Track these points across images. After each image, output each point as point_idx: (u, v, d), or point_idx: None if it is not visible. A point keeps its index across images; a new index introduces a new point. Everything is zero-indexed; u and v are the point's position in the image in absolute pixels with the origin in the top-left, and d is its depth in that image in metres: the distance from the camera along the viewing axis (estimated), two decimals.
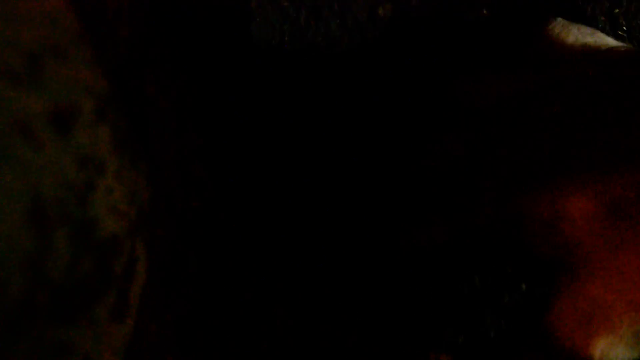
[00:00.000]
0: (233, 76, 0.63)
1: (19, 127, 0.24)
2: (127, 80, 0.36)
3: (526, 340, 0.48)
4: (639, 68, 0.41)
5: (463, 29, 0.80)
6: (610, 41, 0.50)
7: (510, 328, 0.53)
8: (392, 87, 0.65)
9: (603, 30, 0.59)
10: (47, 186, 0.26)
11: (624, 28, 0.65)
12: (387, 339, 0.64)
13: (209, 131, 0.58)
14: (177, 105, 0.47)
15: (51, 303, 0.29)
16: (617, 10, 0.73)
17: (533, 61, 0.50)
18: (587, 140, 0.39)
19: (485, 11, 0.82)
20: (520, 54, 0.56)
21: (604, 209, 0.37)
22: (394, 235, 0.54)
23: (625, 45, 0.49)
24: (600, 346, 0.39)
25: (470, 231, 0.46)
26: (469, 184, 0.45)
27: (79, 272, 0.31)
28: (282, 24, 0.82)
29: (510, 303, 0.54)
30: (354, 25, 0.84)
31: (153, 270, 0.45)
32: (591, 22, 0.65)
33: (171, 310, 0.52)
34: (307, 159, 0.66)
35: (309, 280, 0.71)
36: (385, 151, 0.60)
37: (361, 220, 0.61)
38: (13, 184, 0.24)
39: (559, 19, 0.54)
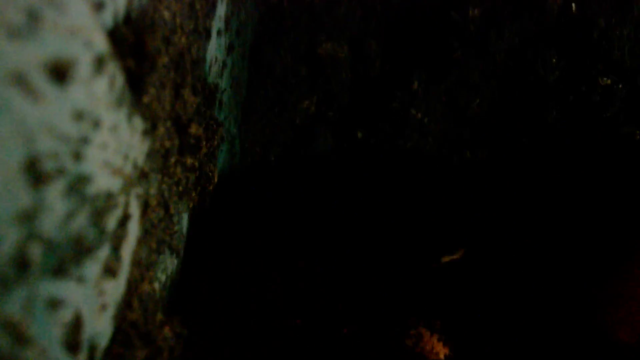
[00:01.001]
0: None
1: (16, 78, 0.24)
2: (125, 35, 0.35)
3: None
4: None
5: None
6: None
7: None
8: None
9: None
10: (42, 139, 0.26)
11: None
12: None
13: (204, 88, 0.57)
14: (175, 62, 0.47)
15: (43, 257, 0.29)
16: None
17: None
18: None
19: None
20: None
21: None
22: None
23: None
24: None
25: None
26: None
27: (72, 227, 0.31)
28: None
29: None
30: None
31: (147, 229, 0.45)
32: None
33: (164, 268, 0.52)
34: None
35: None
36: None
37: None
38: (8, 135, 0.24)
39: None
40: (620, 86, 0.81)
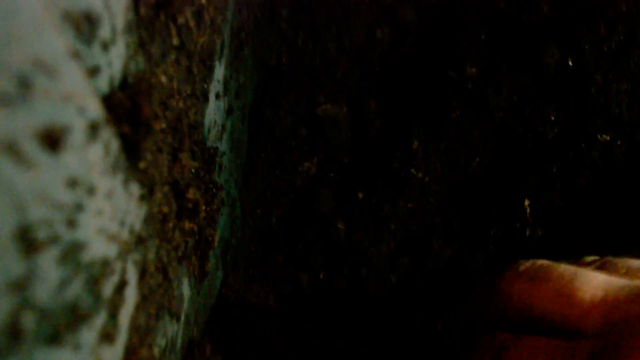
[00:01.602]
0: None
1: (7, 147, 0.24)
2: (120, 100, 0.35)
3: None
4: None
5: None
6: None
7: None
8: None
9: None
10: (34, 207, 0.26)
11: None
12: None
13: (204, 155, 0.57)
14: (172, 126, 0.47)
15: (37, 326, 0.28)
16: None
17: None
18: None
19: (482, 36, 0.83)
20: None
21: None
22: None
23: None
24: None
25: None
26: None
27: (66, 295, 0.30)
28: (279, 45, 0.83)
29: None
30: (352, 47, 0.84)
31: (146, 294, 0.44)
32: None
33: (163, 333, 0.51)
34: None
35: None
36: None
37: None
38: None
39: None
40: (619, 142, 0.81)
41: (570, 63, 0.82)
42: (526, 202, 0.82)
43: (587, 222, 0.81)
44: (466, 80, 0.83)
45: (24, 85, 0.24)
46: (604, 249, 0.79)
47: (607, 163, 0.81)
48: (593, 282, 0.50)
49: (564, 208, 0.81)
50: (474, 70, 0.83)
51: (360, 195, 0.83)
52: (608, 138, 0.81)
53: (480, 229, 0.82)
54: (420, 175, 0.83)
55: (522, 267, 0.56)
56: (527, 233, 0.81)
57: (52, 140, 0.26)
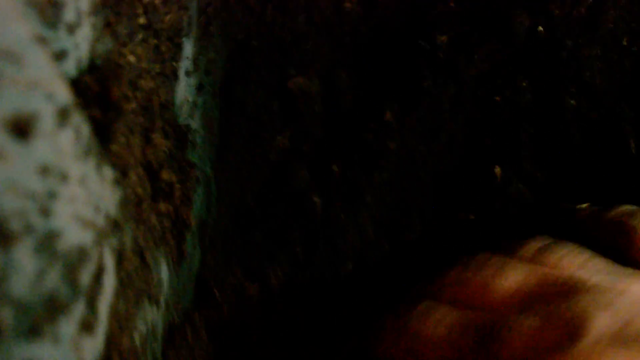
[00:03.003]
0: None
1: None
2: (89, 84, 0.34)
3: None
4: None
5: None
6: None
7: None
8: None
9: None
10: (6, 198, 0.25)
11: None
12: None
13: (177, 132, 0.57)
14: (143, 106, 0.46)
15: (15, 320, 0.27)
16: None
17: None
18: None
19: (452, 4, 0.82)
20: None
21: None
22: None
23: None
24: None
25: None
26: None
27: (44, 286, 0.30)
28: (248, 20, 0.81)
29: None
30: (321, 19, 0.83)
31: (124, 280, 0.44)
32: None
33: (143, 319, 0.50)
34: None
35: None
36: None
37: None
38: None
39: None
40: (591, 107, 0.81)
41: (540, 29, 0.82)
42: (497, 170, 0.82)
43: (560, 191, 0.81)
44: (437, 49, 0.82)
45: None
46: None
47: (580, 129, 0.81)
48: (512, 274, 0.54)
49: (537, 176, 0.81)
50: (444, 38, 0.82)
51: (336, 169, 0.83)
52: (580, 103, 0.81)
53: (454, 199, 0.83)
54: (394, 146, 0.83)
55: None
56: (499, 203, 0.82)
57: (21, 128, 0.26)
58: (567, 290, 0.48)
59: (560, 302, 0.47)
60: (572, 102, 0.81)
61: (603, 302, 0.44)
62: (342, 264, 0.80)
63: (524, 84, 0.82)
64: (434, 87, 0.82)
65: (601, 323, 0.42)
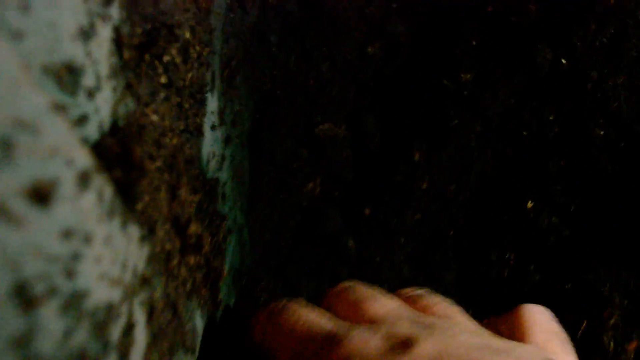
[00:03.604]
0: None
1: None
2: (110, 146, 0.35)
3: None
4: None
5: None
6: None
7: None
8: None
9: None
10: (29, 263, 0.26)
11: None
12: None
13: (204, 186, 0.58)
14: (168, 164, 0.47)
15: None
16: None
17: None
18: None
19: (473, 42, 0.83)
20: None
21: None
22: None
23: None
24: None
25: None
26: None
27: (72, 344, 0.31)
28: (272, 70, 0.83)
29: None
30: (344, 65, 0.84)
31: (156, 332, 0.45)
32: None
33: None
34: None
35: None
36: None
37: None
38: None
39: None
40: (618, 136, 0.81)
41: (563, 61, 0.82)
42: (529, 204, 0.81)
43: (594, 222, 0.81)
44: (461, 87, 0.83)
45: (6, 146, 0.24)
46: (611, 247, 0.79)
47: (608, 158, 0.81)
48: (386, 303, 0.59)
49: (569, 208, 0.81)
50: (468, 76, 0.83)
51: (367, 212, 0.84)
52: (608, 132, 0.81)
53: (488, 234, 0.82)
54: (424, 186, 0.83)
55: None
56: (534, 235, 0.81)
57: (41, 195, 0.27)
58: (414, 321, 0.55)
59: (405, 324, 0.53)
60: (600, 132, 0.81)
61: (437, 334, 0.50)
62: None
63: (551, 117, 0.82)
64: (461, 125, 0.83)
65: (426, 348, 0.48)
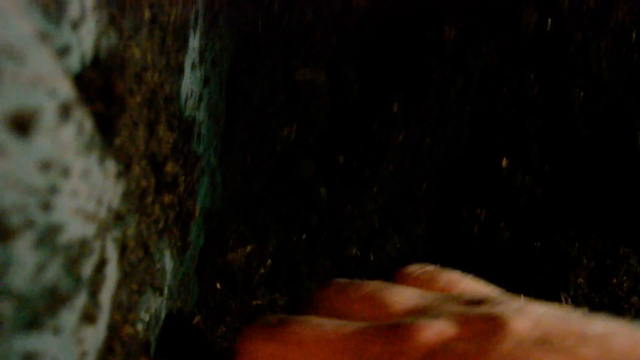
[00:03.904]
0: None
1: None
2: (92, 78, 0.35)
3: None
4: None
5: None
6: None
7: None
8: None
9: None
10: (7, 193, 0.25)
11: None
12: None
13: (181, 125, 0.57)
14: (148, 99, 0.46)
15: (15, 313, 0.28)
16: None
17: None
18: None
19: None
20: None
21: None
22: None
23: None
24: None
25: None
26: None
27: (44, 279, 0.30)
28: (255, 12, 0.82)
29: None
30: (329, 13, 0.83)
31: (127, 270, 0.44)
32: None
33: (147, 308, 0.51)
34: None
35: None
36: None
37: None
38: None
39: None
40: (597, 100, 0.81)
41: (549, 21, 0.82)
42: (504, 162, 0.82)
43: (567, 184, 0.81)
44: (445, 42, 0.82)
45: None
46: (584, 212, 0.79)
47: (586, 121, 0.81)
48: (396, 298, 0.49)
49: (543, 168, 0.81)
50: (452, 32, 0.82)
51: (341, 160, 0.83)
52: (587, 96, 0.81)
53: (461, 189, 0.83)
54: (400, 137, 0.83)
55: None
56: (506, 193, 0.82)
57: (23, 124, 0.26)
58: (473, 302, 0.46)
59: (470, 308, 0.44)
60: (580, 95, 0.81)
61: (518, 310, 0.42)
62: (346, 249, 0.80)
63: (532, 77, 0.82)
64: (441, 79, 0.83)
65: (521, 327, 0.40)
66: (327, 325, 0.46)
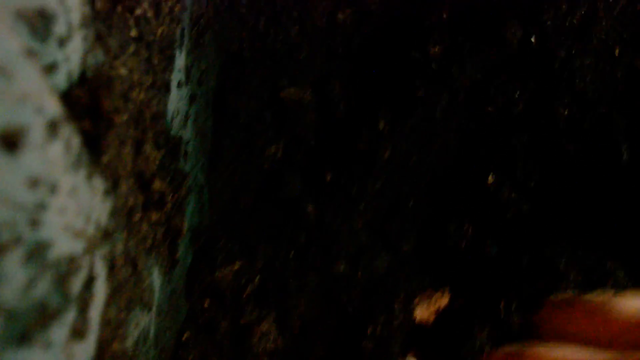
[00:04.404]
0: None
1: None
2: (79, 96, 0.35)
3: None
4: None
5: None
6: None
7: None
8: None
9: None
10: None
11: None
12: None
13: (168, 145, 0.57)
14: (135, 118, 0.47)
15: (5, 328, 0.28)
16: None
17: None
18: None
19: (444, 15, 0.83)
20: None
21: None
22: None
23: None
24: None
25: None
26: None
27: (34, 294, 0.30)
28: (240, 31, 0.82)
29: None
30: (314, 30, 0.84)
31: (115, 287, 0.44)
32: None
33: (136, 324, 0.51)
34: None
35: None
36: None
37: None
38: None
39: None
40: (582, 116, 0.81)
41: (532, 39, 0.82)
42: (490, 178, 0.82)
43: (553, 199, 0.81)
44: (430, 60, 0.83)
45: None
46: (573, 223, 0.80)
47: (571, 137, 0.81)
48: (628, 304, 0.45)
49: (530, 184, 0.82)
50: (437, 49, 0.83)
51: (329, 177, 0.84)
52: (572, 112, 0.82)
53: (448, 205, 0.83)
54: (387, 154, 0.83)
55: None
56: (493, 208, 0.82)
57: (10, 141, 0.26)
58: None
59: None
60: (565, 111, 0.82)
61: None
62: (334, 265, 0.80)
63: (517, 94, 0.83)
64: (427, 96, 0.83)
65: None
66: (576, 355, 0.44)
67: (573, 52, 0.82)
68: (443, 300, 0.77)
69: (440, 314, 0.76)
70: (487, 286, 0.77)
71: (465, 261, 0.81)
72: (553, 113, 0.82)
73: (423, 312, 0.76)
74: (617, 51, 0.83)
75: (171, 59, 0.56)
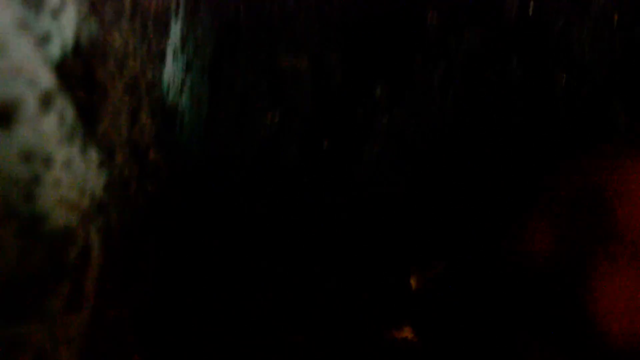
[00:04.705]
0: None
1: None
2: (73, 66, 0.35)
3: None
4: None
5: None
6: None
7: None
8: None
9: None
10: None
11: None
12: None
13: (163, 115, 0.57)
14: (130, 86, 0.46)
15: (1, 299, 0.28)
16: None
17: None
18: None
19: None
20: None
21: None
22: None
23: None
24: None
25: None
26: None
27: (29, 266, 0.30)
28: (236, 0, 0.81)
29: None
30: (311, 0, 0.83)
31: (110, 258, 0.44)
32: None
33: (130, 297, 0.51)
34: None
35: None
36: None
37: None
38: None
39: None
40: (580, 83, 0.81)
41: (531, 6, 0.82)
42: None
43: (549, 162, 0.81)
44: (427, 28, 0.82)
45: None
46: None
47: (569, 103, 0.81)
48: None
49: (528, 146, 0.82)
50: (435, 18, 0.82)
51: (325, 144, 0.83)
52: (569, 79, 0.81)
53: (444, 172, 0.83)
54: (383, 122, 0.83)
55: None
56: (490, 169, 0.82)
57: (4, 115, 0.26)
58: None
59: None
60: (562, 78, 0.82)
61: None
62: (330, 236, 0.80)
63: (514, 62, 0.82)
64: (424, 65, 0.83)
65: None
66: None
67: (571, 19, 0.81)
68: (438, 269, 0.77)
69: (435, 283, 0.76)
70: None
71: (464, 229, 0.81)
72: (550, 81, 0.82)
73: (419, 279, 0.76)
74: (615, 18, 0.82)
75: (166, 28, 0.56)
